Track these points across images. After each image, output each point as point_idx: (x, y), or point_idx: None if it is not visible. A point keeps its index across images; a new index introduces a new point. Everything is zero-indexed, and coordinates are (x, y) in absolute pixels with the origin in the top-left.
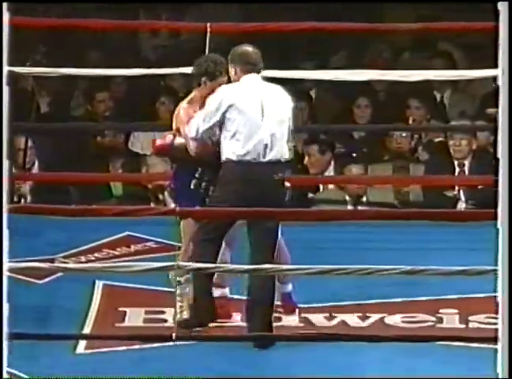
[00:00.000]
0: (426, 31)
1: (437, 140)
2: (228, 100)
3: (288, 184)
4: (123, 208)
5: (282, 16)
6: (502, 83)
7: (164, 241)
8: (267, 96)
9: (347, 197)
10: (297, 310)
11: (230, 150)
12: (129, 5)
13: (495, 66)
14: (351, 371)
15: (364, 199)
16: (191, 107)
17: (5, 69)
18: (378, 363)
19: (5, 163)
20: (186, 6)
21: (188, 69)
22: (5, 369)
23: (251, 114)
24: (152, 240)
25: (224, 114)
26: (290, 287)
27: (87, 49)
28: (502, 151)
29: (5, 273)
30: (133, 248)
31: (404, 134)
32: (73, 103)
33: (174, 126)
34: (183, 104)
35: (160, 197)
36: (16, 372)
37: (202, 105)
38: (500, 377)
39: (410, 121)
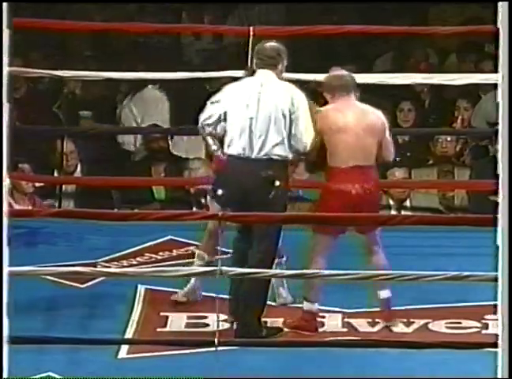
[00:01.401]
0: (472, 34)
1: (482, 143)
2: (226, 97)
3: (277, 183)
4: (166, 212)
5: (326, 17)
6: (501, 83)
7: None
8: (265, 94)
9: (390, 202)
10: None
11: (225, 145)
12: (172, 8)
13: None
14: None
15: (408, 203)
16: None
17: (5, 69)
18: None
19: (5, 164)
20: (229, 9)
21: (232, 73)
22: (5, 369)
23: (244, 110)
24: (194, 244)
25: (223, 110)
26: (388, 293)
27: (129, 53)
28: (502, 152)
29: (6, 273)
30: (175, 252)
31: (449, 138)
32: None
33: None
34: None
35: (203, 201)
36: (57, 376)
37: None
38: (500, 377)
39: (459, 122)
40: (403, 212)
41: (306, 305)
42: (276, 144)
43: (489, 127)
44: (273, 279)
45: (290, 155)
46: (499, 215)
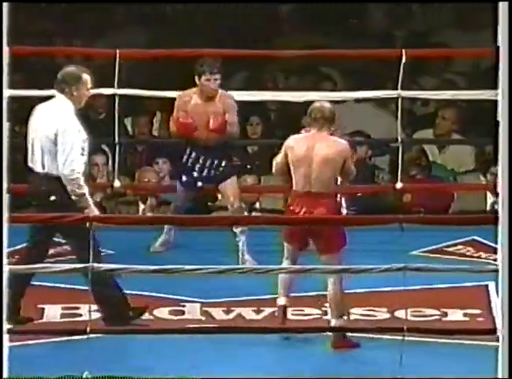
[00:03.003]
0: (312, 58)
1: None
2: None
3: (53, 198)
4: (44, 215)
5: (187, 40)
6: (501, 83)
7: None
8: (40, 115)
9: (242, 204)
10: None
11: None
12: (46, 32)
13: (373, 89)
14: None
15: (257, 205)
16: None
17: (5, 74)
18: None
19: (5, 166)
20: (99, 33)
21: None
22: (5, 369)
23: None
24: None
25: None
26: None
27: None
28: (502, 152)
29: (5, 274)
30: (52, 250)
31: None
32: None
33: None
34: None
35: None
36: None
37: None
38: (500, 377)
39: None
40: (253, 213)
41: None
42: (52, 161)
43: None
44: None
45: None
46: (499, 215)
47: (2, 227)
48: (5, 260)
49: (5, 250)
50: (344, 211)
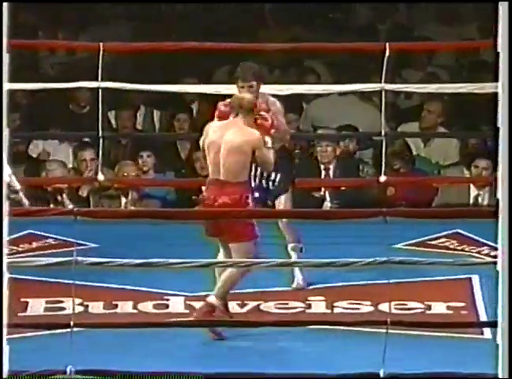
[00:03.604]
0: (296, 51)
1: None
2: None
3: None
4: (26, 208)
5: (171, 33)
6: (502, 82)
7: (63, 238)
8: None
9: None
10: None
11: None
12: (28, 25)
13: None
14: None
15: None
16: None
17: (5, 70)
18: None
19: (5, 163)
20: (82, 26)
21: (85, 84)
22: (5, 369)
23: None
24: (51, 237)
25: None
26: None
27: None
28: (502, 153)
29: (5, 272)
30: (34, 244)
31: None
32: None
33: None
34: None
35: (59, 198)
36: None
37: None
38: (500, 376)
39: None
40: None
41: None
42: None
43: (314, 131)
44: None
45: None
46: (499, 215)
47: (2, 227)
48: (4, 260)
49: (5, 249)
50: (328, 204)
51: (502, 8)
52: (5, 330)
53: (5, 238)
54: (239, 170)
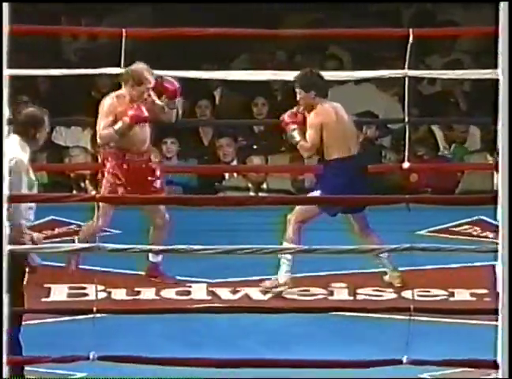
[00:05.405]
0: (319, 37)
1: None
2: None
3: None
4: (49, 194)
5: (191, 20)
6: (502, 83)
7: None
8: None
9: (249, 185)
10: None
11: None
12: (51, 11)
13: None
14: None
15: (265, 186)
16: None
17: (5, 70)
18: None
19: (5, 161)
20: (105, 12)
21: (108, 70)
22: (5, 368)
23: None
24: (74, 223)
25: None
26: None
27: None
28: (502, 151)
29: (5, 271)
30: (57, 231)
31: None
32: None
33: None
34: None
35: (81, 184)
36: None
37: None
38: (500, 377)
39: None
40: (260, 194)
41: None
42: None
43: None
44: None
45: None
46: (499, 213)
47: (2, 225)
48: (5, 259)
49: (5, 248)
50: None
51: (503, 8)
52: (5, 329)
53: (5, 237)
54: None
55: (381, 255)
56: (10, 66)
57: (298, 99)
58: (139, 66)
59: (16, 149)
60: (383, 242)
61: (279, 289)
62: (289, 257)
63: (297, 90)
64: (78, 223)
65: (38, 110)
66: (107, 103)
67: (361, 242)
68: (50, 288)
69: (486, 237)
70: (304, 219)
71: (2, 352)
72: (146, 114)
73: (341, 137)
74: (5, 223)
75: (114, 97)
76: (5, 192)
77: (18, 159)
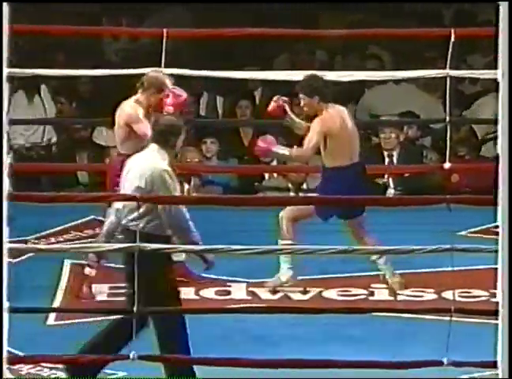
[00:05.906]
0: (359, 37)
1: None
2: None
3: None
4: (90, 194)
5: (229, 20)
6: (502, 82)
7: None
8: None
9: (289, 185)
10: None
11: None
12: (93, 12)
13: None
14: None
15: (305, 186)
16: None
17: (5, 70)
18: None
19: (6, 160)
20: (147, 13)
21: (149, 70)
22: (5, 368)
23: None
24: None
25: None
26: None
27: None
28: (502, 149)
29: (5, 269)
30: (98, 230)
31: None
32: None
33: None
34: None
35: None
36: None
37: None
38: (500, 376)
39: None
40: (300, 194)
41: None
42: None
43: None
44: None
45: None
46: (499, 213)
47: (2, 223)
48: (5, 257)
49: (6, 246)
50: (391, 191)
51: (503, 8)
52: (5, 329)
53: (5, 236)
54: (123, 143)
55: (378, 261)
56: (50, 66)
57: (302, 104)
58: (160, 74)
59: (156, 159)
60: (382, 244)
61: (282, 287)
62: (289, 256)
63: (300, 96)
64: None
65: (176, 119)
66: (134, 108)
67: (358, 245)
68: (90, 287)
69: None
70: (295, 217)
71: (2, 352)
72: (184, 94)
73: (344, 145)
74: (5, 222)
75: (134, 102)
76: (5, 192)
77: (162, 169)
